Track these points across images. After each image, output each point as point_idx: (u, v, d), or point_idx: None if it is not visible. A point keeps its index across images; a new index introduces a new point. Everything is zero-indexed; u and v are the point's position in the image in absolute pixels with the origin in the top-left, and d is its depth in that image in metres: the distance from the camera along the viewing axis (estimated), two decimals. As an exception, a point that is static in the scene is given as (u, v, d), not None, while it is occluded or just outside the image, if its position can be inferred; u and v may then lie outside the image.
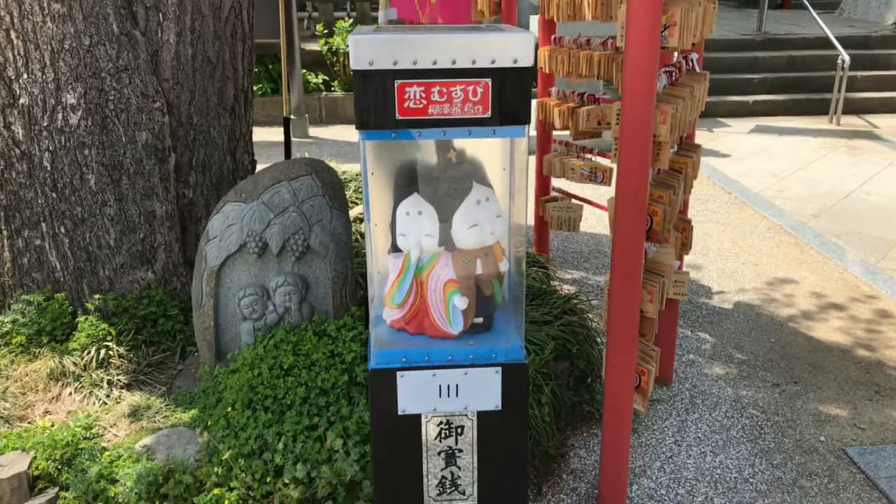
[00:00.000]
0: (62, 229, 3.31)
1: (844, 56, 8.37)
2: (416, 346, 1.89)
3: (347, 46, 9.11)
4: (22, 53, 3.12)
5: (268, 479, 2.51)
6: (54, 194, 3.26)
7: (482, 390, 1.88)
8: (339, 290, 3.06)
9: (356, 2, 10.75)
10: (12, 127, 3.20)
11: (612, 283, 2.38)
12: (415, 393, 1.86)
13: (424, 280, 1.89)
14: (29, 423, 2.91)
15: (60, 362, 3.12)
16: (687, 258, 4.77)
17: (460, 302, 1.86)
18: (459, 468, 1.95)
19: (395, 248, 1.92)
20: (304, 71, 8.93)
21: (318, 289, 3.07)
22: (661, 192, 2.54)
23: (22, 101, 3.16)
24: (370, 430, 1.94)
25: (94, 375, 3.10)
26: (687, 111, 2.58)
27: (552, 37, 3.95)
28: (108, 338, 3.22)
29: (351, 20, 9.95)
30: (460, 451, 1.93)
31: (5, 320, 3.27)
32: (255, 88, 8.51)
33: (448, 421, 1.90)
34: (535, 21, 5.10)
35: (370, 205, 1.83)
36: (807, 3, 10.01)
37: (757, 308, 4.28)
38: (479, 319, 1.93)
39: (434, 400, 1.88)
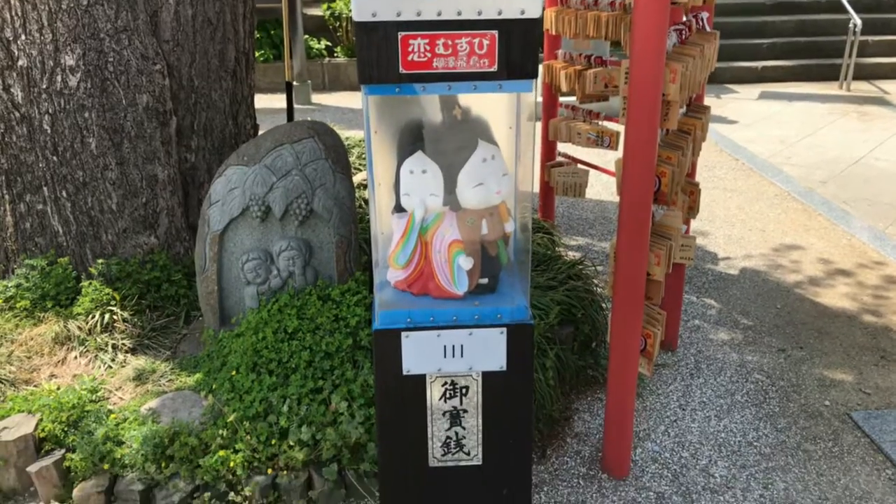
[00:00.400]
0: (64, 193, 3.28)
1: (856, 20, 8.21)
2: (421, 306, 1.87)
3: (350, 11, 8.96)
4: (19, 14, 3.06)
5: (273, 442, 2.52)
6: (55, 158, 3.23)
7: (487, 351, 1.86)
8: (343, 254, 3.04)
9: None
10: (11, 89, 3.16)
11: (618, 244, 2.36)
12: (419, 353, 1.85)
13: (429, 240, 1.87)
14: (35, 386, 2.92)
15: (65, 326, 3.12)
16: (693, 224, 4.73)
17: (465, 262, 1.84)
18: (464, 428, 1.94)
19: (399, 208, 1.90)
20: (307, 36, 8.81)
21: (321, 253, 3.05)
22: (669, 153, 2.50)
23: (20, 62, 3.12)
24: (375, 392, 1.93)
25: (98, 340, 3.10)
26: (697, 70, 2.53)
27: (559, -3, 3.86)
28: (112, 302, 3.22)
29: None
30: (465, 411, 1.92)
31: (9, 285, 3.26)
32: (256, 55, 8.40)
33: (453, 381, 1.89)
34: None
35: (373, 164, 1.80)
36: (819, -35, 9.80)
37: (763, 274, 4.25)
38: (484, 280, 1.91)
39: (439, 360, 1.86)
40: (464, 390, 1.90)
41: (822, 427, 2.97)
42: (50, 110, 3.16)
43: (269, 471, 2.51)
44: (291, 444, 2.51)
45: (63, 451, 2.58)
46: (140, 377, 2.96)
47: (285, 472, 2.51)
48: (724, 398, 3.15)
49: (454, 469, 1.98)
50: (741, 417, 3.03)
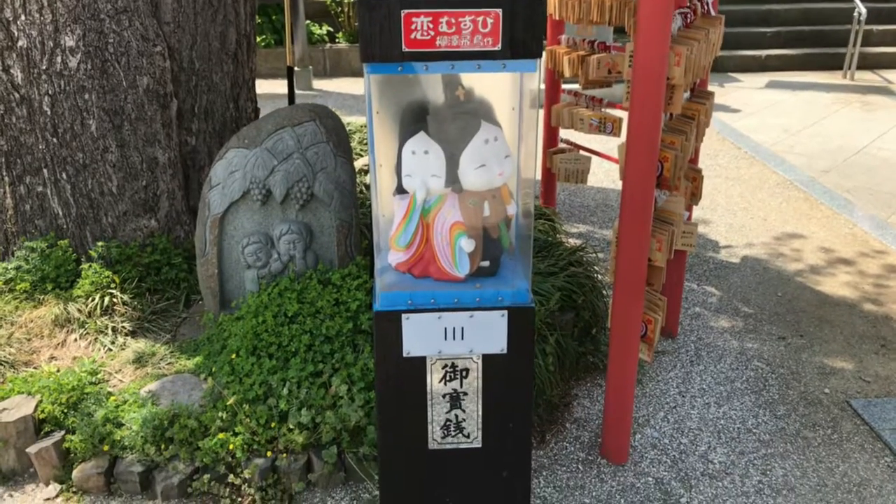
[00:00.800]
0: (64, 175, 3.27)
1: (861, 9, 8.15)
2: (422, 288, 1.86)
3: (352, -4, 8.91)
4: (18, -7, 3.04)
5: (272, 425, 2.53)
6: (55, 140, 3.21)
7: (488, 333, 1.86)
8: (344, 238, 3.03)
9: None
10: (11, 70, 3.14)
11: (620, 229, 2.35)
12: (420, 335, 1.84)
13: (430, 222, 1.86)
14: (34, 368, 2.92)
15: (65, 309, 3.11)
16: (695, 213, 4.72)
17: (467, 244, 1.83)
18: (464, 411, 1.94)
19: (400, 190, 1.88)
20: (308, 22, 8.76)
21: (322, 237, 3.04)
22: (672, 137, 2.48)
23: (20, 43, 3.10)
24: (375, 374, 1.93)
25: (98, 322, 3.10)
26: (701, 54, 2.51)
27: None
28: (112, 285, 3.21)
29: (355, -30, 9.71)
30: (465, 394, 1.92)
31: (9, 267, 3.26)
32: (257, 40, 8.36)
33: (453, 364, 1.89)
34: (544, -33, 4.95)
35: (375, 144, 1.78)
36: (824, -46, 9.73)
37: (764, 262, 4.25)
38: (486, 263, 1.90)
39: (439, 343, 1.86)
40: (464, 373, 1.90)
41: (821, 414, 2.97)
42: (50, 91, 3.14)
43: (269, 453, 2.51)
44: (291, 426, 2.51)
45: (63, 432, 2.58)
46: (140, 360, 2.96)
47: (285, 454, 2.51)
48: (723, 385, 3.15)
49: (454, 452, 1.98)
50: (740, 404, 3.03)
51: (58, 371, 2.82)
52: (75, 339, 3.06)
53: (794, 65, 9.02)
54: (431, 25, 1.56)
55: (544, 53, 3.97)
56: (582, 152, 4.04)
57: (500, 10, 1.55)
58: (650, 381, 3.17)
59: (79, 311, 3.12)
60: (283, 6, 5.96)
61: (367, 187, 4.24)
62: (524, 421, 1.97)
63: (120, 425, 2.56)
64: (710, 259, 4.28)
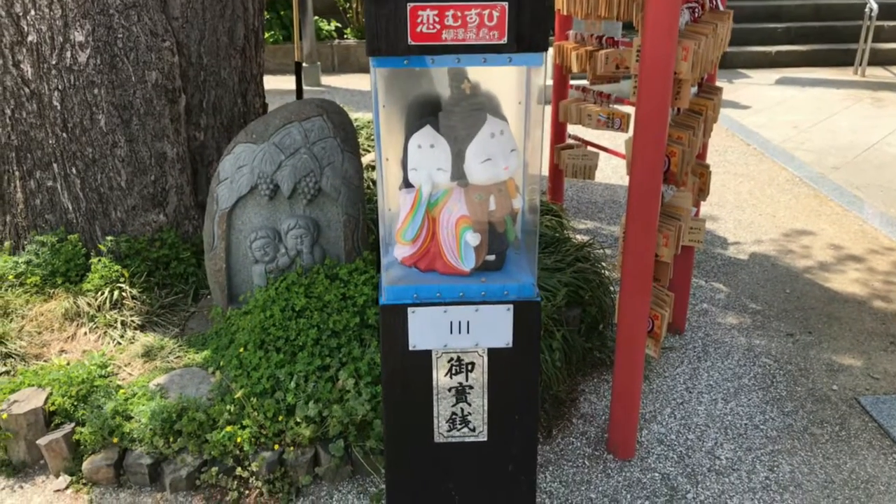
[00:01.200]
0: (73, 170, 3.29)
1: (872, 4, 8.08)
2: (428, 282, 1.86)
3: (360, -7, 8.91)
4: (28, -11, 3.06)
5: (280, 418, 2.54)
6: (65, 134, 3.24)
7: (493, 327, 1.86)
8: (351, 233, 3.03)
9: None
10: (21, 65, 3.16)
11: (627, 224, 2.34)
12: (426, 329, 1.85)
13: (436, 216, 1.86)
14: (45, 361, 2.95)
15: (75, 303, 3.14)
16: (703, 209, 4.70)
17: (472, 238, 1.83)
18: (469, 405, 1.94)
19: (406, 184, 1.89)
20: (317, 18, 8.77)
21: (329, 232, 3.05)
22: (680, 132, 2.47)
23: (30, 38, 3.12)
24: (381, 367, 1.93)
25: (108, 316, 3.13)
26: (709, 49, 2.50)
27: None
28: (122, 279, 3.23)
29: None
30: (470, 387, 1.92)
31: (20, 261, 3.28)
32: (266, 35, 8.37)
33: (459, 357, 1.89)
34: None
35: (381, 138, 1.79)
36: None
37: (773, 259, 4.23)
38: (492, 257, 1.90)
39: (445, 336, 1.86)
40: (469, 366, 1.90)
41: (829, 411, 2.96)
42: (59, 86, 3.16)
43: (276, 447, 2.53)
44: (298, 420, 2.52)
45: (73, 424, 2.61)
46: (148, 353, 2.98)
47: (292, 448, 2.53)
48: (731, 381, 3.14)
49: (459, 445, 1.99)
50: (748, 401, 3.02)
51: (68, 364, 2.84)
52: (85, 333, 3.08)
53: (804, 61, 8.95)
54: (437, 19, 1.56)
55: (551, 48, 3.97)
56: (590, 148, 4.03)
57: (506, 4, 1.55)
58: (657, 377, 3.17)
59: (88, 304, 3.14)
60: (291, 2, 5.98)
61: (374, 183, 4.25)
62: (530, 415, 1.97)
63: (129, 418, 2.58)
64: (717, 255, 4.27)
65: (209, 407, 2.59)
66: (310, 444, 2.54)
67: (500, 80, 1.82)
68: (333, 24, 9.08)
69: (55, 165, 3.30)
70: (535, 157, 1.88)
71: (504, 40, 1.59)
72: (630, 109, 3.31)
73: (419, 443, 1.98)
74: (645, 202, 2.28)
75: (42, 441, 2.56)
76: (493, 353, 1.89)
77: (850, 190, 5.19)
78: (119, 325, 3.11)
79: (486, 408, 1.95)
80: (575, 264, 3.35)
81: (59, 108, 3.20)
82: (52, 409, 2.63)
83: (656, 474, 2.63)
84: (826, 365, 3.26)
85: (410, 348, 1.87)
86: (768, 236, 4.52)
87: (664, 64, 2.14)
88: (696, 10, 2.60)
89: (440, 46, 1.59)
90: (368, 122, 5.50)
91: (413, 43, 1.58)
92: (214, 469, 2.49)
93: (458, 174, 1.82)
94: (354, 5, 9.04)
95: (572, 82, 4.11)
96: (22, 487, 2.57)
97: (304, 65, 7.37)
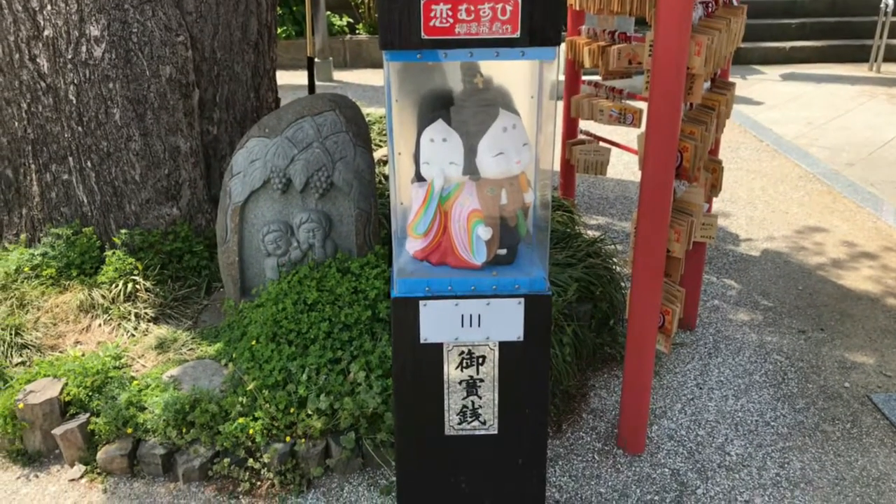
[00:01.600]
0: (89, 164, 3.32)
1: (888, 0, 8.01)
2: (439, 275, 1.87)
3: (372, -12, 8.93)
4: (45, -16, 3.09)
5: (291, 410, 2.56)
6: (80, 128, 3.27)
7: (504, 321, 1.87)
8: (363, 227, 3.05)
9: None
10: (37, 59, 3.19)
11: (639, 219, 2.34)
12: (437, 322, 1.86)
13: (448, 210, 1.87)
14: (60, 352, 2.98)
15: (89, 295, 3.17)
16: (715, 205, 4.68)
17: (484, 232, 1.84)
18: (480, 398, 1.95)
19: (418, 178, 1.90)
20: (329, 13, 8.78)
21: (341, 226, 3.07)
22: (692, 127, 2.47)
23: (46, 33, 3.15)
24: (392, 360, 1.95)
25: (121, 308, 3.16)
26: (723, 44, 2.49)
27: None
28: (135, 272, 3.26)
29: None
30: (481, 381, 1.93)
31: (36, 253, 3.32)
32: (278, 31, 8.39)
33: (470, 351, 1.90)
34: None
35: (394, 132, 1.80)
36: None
37: (785, 256, 4.21)
38: (503, 251, 1.91)
39: (456, 329, 1.87)
40: (480, 360, 1.91)
41: (841, 408, 2.95)
42: (75, 81, 3.19)
43: (288, 438, 2.55)
44: (310, 412, 2.54)
45: (87, 415, 2.64)
46: (162, 345, 3.01)
47: (303, 440, 2.55)
48: (742, 378, 3.14)
49: (470, 438, 2.00)
50: (759, 397, 3.01)
51: (83, 355, 2.87)
52: (99, 325, 3.12)
53: (818, 57, 8.88)
54: (450, 13, 1.57)
55: (564, 43, 3.96)
56: (602, 144, 4.02)
57: (519, -2, 1.56)
58: (668, 372, 3.17)
59: (103, 297, 3.18)
60: (303, -3, 5.99)
61: (386, 178, 4.26)
62: (540, 408, 1.98)
63: (143, 409, 2.61)
64: (729, 252, 4.25)
65: (222, 399, 2.61)
66: (321, 436, 2.56)
67: (512, 74, 1.82)
68: (345, 20, 9.10)
69: (70, 159, 3.34)
70: (547, 152, 1.88)
71: (517, 34, 1.59)
72: (642, 105, 3.31)
73: (430, 435, 1.99)
74: (657, 197, 2.27)
75: (57, 431, 2.59)
76: (504, 346, 1.90)
77: (865, 186, 5.16)
78: (133, 318, 3.14)
79: (496, 401, 1.96)
80: (586, 260, 3.35)
81: (74, 101, 3.23)
82: (67, 399, 2.66)
83: (666, 470, 2.63)
84: (838, 362, 3.25)
85: (422, 341, 1.88)
86: (781, 233, 4.49)
87: (677, 59, 2.13)
88: (710, 4, 2.59)
89: (453, 40, 1.60)
90: (380, 118, 5.51)
91: (426, 37, 1.59)
92: (226, 460, 2.52)
93: (471, 168, 1.83)
94: (366, 1, 9.05)
95: (584, 78, 4.10)
96: (37, 476, 2.61)
97: (316, 60, 7.39)
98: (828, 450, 2.73)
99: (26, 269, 3.25)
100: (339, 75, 8.52)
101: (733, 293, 3.81)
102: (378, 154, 4.67)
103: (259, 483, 2.51)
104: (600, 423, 2.86)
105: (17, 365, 2.89)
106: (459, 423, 1.98)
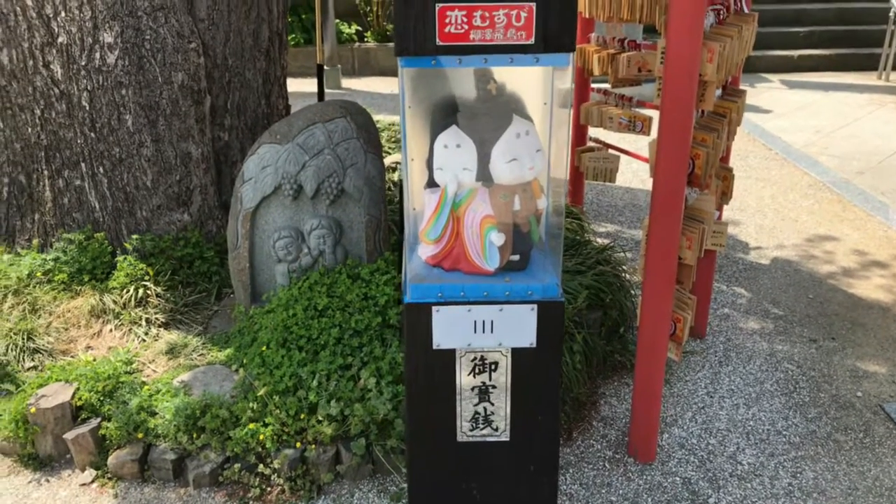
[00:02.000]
0: (101, 169, 3.34)
1: (897, 8, 7.99)
2: (452, 281, 1.88)
3: (381, -4, 8.97)
4: (59, -9, 3.11)
5: (302, 416, 2.56)
6: (93, 134, 3.29)
7: (517, 327, 1.87)
8: (373, 234, 3.05)
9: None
10: (51, 66, 3.22)
11: (650, 226, 2.34)
12: (450, 328, 1.86)
13: (461, 216, 1.87)
14: (72, 356, 2.99)
15: (101, 300, 3.19)
16: (724, 214, 4.67)
17: (497, 238, 1.84)
18: (492, 404, 1.95)
19: (431, 184, 1.90)
20: (337, 21, 8.82)
21: (351, 232, 3.07)
22: (704, 134, 2.47)
23: (60, 39, 3.17)
24: (404, 365, 1.95)
25: (132, 313, 3.17)
26: (734, 51, 2.49)
27: (593, -20, 3.81)
28: (146, 277, 3.28)
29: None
30: (493, 387, 1.93)
31: (48, 258, 3.34)
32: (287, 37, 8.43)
33: (482, 357, 1.90)
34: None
35: (407, 138, 1.80)
36: (860, -47, 9.55)
37: (795, 264, 4.19)
38: (516, 257, 1.91)
39: (469, 335, 1.87)
40: (493, 366, 1.91)
41: (853, 418, 2.93)
42: (88, 87, 3.22)
43: (298, 444, 2.55)
44: (320, 418, 2.54)
45: (99, 419, 2.64)
46: (172, 351, 3.01)
47: (314, 446, 2.55)
48: (752, 387, 3.12)
49: (482, 444, 2.00)
50: (770, 406, 3.00)
51: (94, 360, 2.88)
52: (110, 330, 3.13)
53: (827, 65, 8.87)
54: (465, 19, 1.58)
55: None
56: (611, 151, 4.02)
57: (533, 4, 1.56)
58: (678, 381, 3.15)
59: (114, 302, 3.19)
60: (312, 5, 6.02)
61: (395, 184, 4.27)
62: (552, 415, 1.98)
63: (154, 414, 2.62)
64: (739, 260, 4.24)
65: (232, 404, 2.62)
66: (331, 442, 2.56)
67: (525, 80, 1.83)
68: (354, 28, 9.14)
69: (83, 165, 3.36)
70: (560, 159, 1.89)
71: (531, 41, 1.60)
72: (652, 112, 3.30)
73: (442, 441, 1.99)
74: (669, 204, 2.27)
75: (69, 435, 2.60)
76: (516, 352, 1.90)
77: (875, 195, 5.14)
78: (144, 323, 3.15)
79: (508, 408, 1.96)
80: (596, 267, 3.34)
81: (87, 108, 3.25)
82: (78, 403, 2.67)
83: (677, 478, 2.61)
84: (850, 371, 3.23)
85: (434, 347, 1.88)
86: (790, 241, 4.48)
87: (689, 66, 2.14)
88: (721, 12, 2.60)
89: (468, 46, 1.60)
90: (389, 125, 5.52)
91: (441, 43, 1.60)
92: (237, 466, 2.52)
93: (484, 174, 1.83)
94: (375, 9, 9.09)
95: (593, 85, 4.10)
96: (48, 481, 2.61)
97: (325, 67, 7.42)
98: (840, 459, 2.71)
99: (38, 273, 3.27)
100: (347, 83, 8.55)
101: (743, 301, 3.80)
102: (387, 161, 4.68)
103: (269, 489, 2.51)
104: (611, 430, 2.85)
105: (29, 369, 2.90)
106: (471, 430, 1.98)
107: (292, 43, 8.66)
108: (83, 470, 2.63)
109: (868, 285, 3.95)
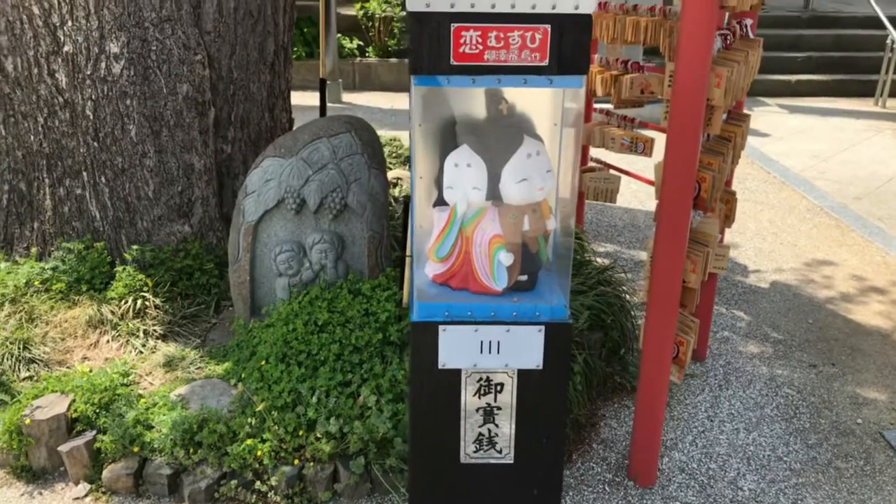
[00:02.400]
0: (103, 179, 3.33)
1: (894, 36, 8.08)
2: (459, 300, 1.86)
3: (384, 11, 9.01)
4: (67, 0, 3.11)
5: (300, 433, 2.53)
6: (96, 144, 3.28)
7: (524, 348, 1.85)
8: (375, 249, 3.04)
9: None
10: (56, 75, 3.21)
11: (655, 250, 2.34)
12: (456, 348, 1.85)
13: (470, 235, 1.86)
14: (68, 367, 2.96)
15: (99, 310, 3.16)
16: (724, 237, 4.67)
17: (505, 258, 1.83)
18: (497, 426, 1.93)
19: (440, 202, 1.89)
20: (339, 35, 8.86)
21: (353, 248, 3.06)
22: (710, 158, 2.47)
23: (66, 48, 3.17)
24: (409, 384, 1.93)
25: (130, 325, 3.14)
26: (741, 76, 2.50)
27: (598, 2, 3.84)
28: (145, 288, 3.25)
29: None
30: (499, 408, 1.91)
31: (46, 267, 3.31)
32: (289, 52, 8.46)
33: (488, 377, 1.88)
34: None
35: (416, 157, 1.80)
36: (857, -19, 9.67)
37: (794, 288, 4.19)
38: (524, 277, 1.90)
39: (475, 356, 1.86)
40: (499, 387, 1.89)
41: (853, 445, 2.92)
42: (93, 96, 3.21)
43: (296, 461, 2.52)
44: (319, 435, 2.51)
45: (94, 432, 2.61)
46: (170, 363, 2.98)
47: (312, 463, 2.52)
48: (753, 411, 3.11)
49: (486, 466, 1.97)
50: (770, 431, 2.98)
51: (91, 371, 2.85)
52: (108, 341, 3.10)
53: (824, 91, 8.95)
54: (480, 40, 1.58)
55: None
56: (612, 171, 4.03)
57: (548, 27, 1.57)
58: (678, 404, 3.14)
59: (112, 312, 3.16)
60: (314, 20, 6.04)
61: (396, 200, 4.27)
62: (557, 438, 1.96)
63: (150, 427, 2.58)
64: (738, 283, 4.24)
65: (230, 419, 2.59)
66: (330, 460, 2.53)
67: (536, 101, 1.83)
68: (356, 42, 9.18)
69: (85, 174, 3.34)
70: (569, 180, 1.88)
71: (546, 62, 1.60)
72: (654, 133, 3.31)
73: (445, 462, 1.97)
74: (674, 227, 2.27)
75: (63, 448, 2.56)
76: (522, 374, 1.88)
77: (873, 221, 5.16)
78: (141, 334, 3.12)
79: (513, 430, 1.94)
80: (597, 287, 3.33)
81: (91, 117, 3.24)
82: (74, 416, 2.64)
83: (678, 503, 2.59)
84: (850, 398, 3.22)
85: (440, 366, 1.87)
86: (789, 265, 4.49)
87: (697, 90, 2.14)
88: (728, 36, 2.61)
89: (482, 67, 1.60)
90: (390, 140, 5.53)
91: (455, 63, 1.60)
92: (234, 482, 2.48)
93: (493, 193, 1.83)
94: (376, 24, 9.14)
95: (596, 105, 4.12)
96: (41, 494, 2.57)
97: (327, 82, 7.43)
98: (841, 487, 2.69)
99: (36, 282, 3.24)
100: (348, 97, 8.57)
101: (743, 325, 3.80)
102: (389, 176, 4.68)
103: (266, 506, 2.48)
104: (610, 453, 2.83)
105: (24, 379, 2.87)
106: (475, 452, 1.96)
107: (294, 56, 8.68)
108: (77, 483, 2.58)
109: (867, 311, 3.95)
